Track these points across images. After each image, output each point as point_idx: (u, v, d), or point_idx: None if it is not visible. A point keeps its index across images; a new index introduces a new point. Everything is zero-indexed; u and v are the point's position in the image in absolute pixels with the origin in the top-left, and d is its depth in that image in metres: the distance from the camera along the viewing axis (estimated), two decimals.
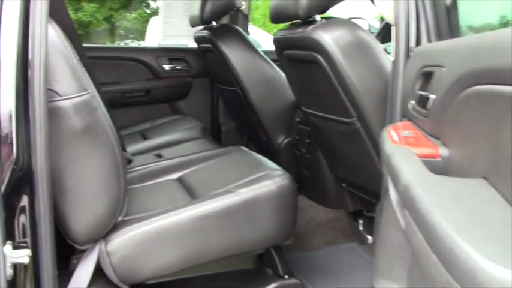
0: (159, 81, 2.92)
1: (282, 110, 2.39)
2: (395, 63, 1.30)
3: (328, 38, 1.51)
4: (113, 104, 2.81)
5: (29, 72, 1.06)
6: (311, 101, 1.85)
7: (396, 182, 0.79)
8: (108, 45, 3.56)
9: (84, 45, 2.93)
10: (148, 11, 12.82)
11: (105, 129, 1.27)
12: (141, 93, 2.90)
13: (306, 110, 1.90)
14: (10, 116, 1.00)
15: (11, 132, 1.00)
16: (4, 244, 0.96)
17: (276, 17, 1.72)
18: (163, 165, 1.86)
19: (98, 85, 2.23)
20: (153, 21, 6.21)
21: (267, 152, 2.68)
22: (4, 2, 1.01)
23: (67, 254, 1.43)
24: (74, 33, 1.46)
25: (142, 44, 9.27)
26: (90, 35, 12.34)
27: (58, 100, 1.17)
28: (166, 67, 2.93)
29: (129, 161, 1.80)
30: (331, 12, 1.69)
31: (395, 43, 1.30)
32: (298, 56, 1.72)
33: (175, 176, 1.77)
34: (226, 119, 2.99)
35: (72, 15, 11.92)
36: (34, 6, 1.05)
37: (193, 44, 2.82)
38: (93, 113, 1.24)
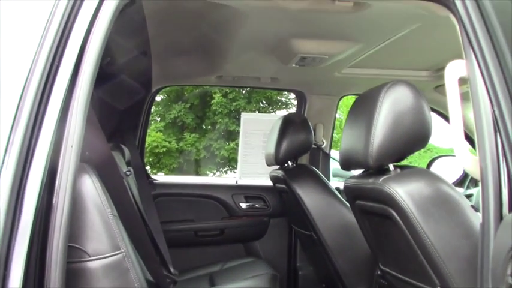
0: (234, 220, 2.80)
1: (361, 260, 2.13)
2: (483, 228, 1.06)
3: (402, 192, 1.30)
4: (185, 243, 2.73)
5: (49, 229, 0.95)
6: (388, 258, 1.60)
7: None
8: (186, 181, 3.61)
9: (160, 180, 2.97)
10: None
11: None
12: (215, 232, 2.79)
13: (383, 268, 1.64)
14: (17, 284, 0.88)
15: None
16: None
17: (346, 163, 1.56)
18: None
19: (159, 225, 2.18)
20: None
21: None
22: (35, 152, 0.95)
23: None
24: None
25: (235, 174, 9.49)
26: (190, 163, 12.96)
27: (86, 261, 1.06)
28: (243, 205, 2.83)
29: None
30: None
31: (483, 205, 1.07)
32: (370, 208, 1.51)
33: None
34: (304, 264, 2.76)
35: (174, 144, 12.72)
36: (63, 161, 0.98)
37: (271, 182, 2.72)
38: (124, 276, 1.10)
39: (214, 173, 13.05)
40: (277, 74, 2.59)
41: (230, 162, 12.93)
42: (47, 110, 0.98)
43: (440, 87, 2.54)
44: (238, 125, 13.66)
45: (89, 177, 1.10)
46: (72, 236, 1.01)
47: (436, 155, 3.20)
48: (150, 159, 12.27)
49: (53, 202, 0.96)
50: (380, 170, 1.43)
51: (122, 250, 1.10)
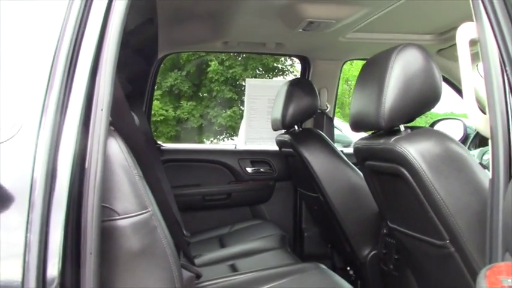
0: (241, 184, 2.86)
1: (367, 220, 2.21)
2: (493, 184, 1.12)
3: (413, 151, 1.35)
4: (193, 207, 2.80)
5: (84, 189, 1.00)
6: (396, 216, 1.66)
7: None
8: (192, 146, 3.68)
9: (167, 146, 3.01)
10: (242, 108, 13.38)
11: (164, 250, 1.17)
12: (222, 196, 2.85)
13: (391, 225, 1.71)
14: (58, 240, 0.93)
15: (57, 259, 0.93)
16: None
17: (356, 125, 1.60)
18: (235, 281, 1.73)
19: (170, 189, 2.23)
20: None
21: (353, 264, 2.47)
22: (66, 117, 0.99)
23: None
24: (144, 148, 1.43)
25: (233, 141, 9.56)
26: (187, 131, 12.99)
27: (116, 219, 1.11)
28: (249, 170, 2.89)
29: (198, 276, 1.69)
30: None
31: (492, 160, 1.12)
32: (381, 168, 1.57)
33: None
34: (309, 225, 2.84)
35: (171, 112, 12.70)
36: (94, 124, 1.02)
37: (276, 147, 2.77)
38: (153, 233, 1.15)
39: (212, 141, 13.10)
40: (282, 39, 2.61)
41: (227, 129, 12.97)
42: (75, 74, 1.01)
43: (442, 51, 2.56)
44: (235, 92, 13.59)
45: (115, 140, 1.13)
46: (102, 196, 1.06)
47: (436, 119, 3.25)
48: None
49: (86, 165, 1.00)
50: (390, 130, 1.48)
51: (149, 209, 1.15)
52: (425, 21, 2.30)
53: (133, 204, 1.13)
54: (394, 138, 1.42)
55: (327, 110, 2.87)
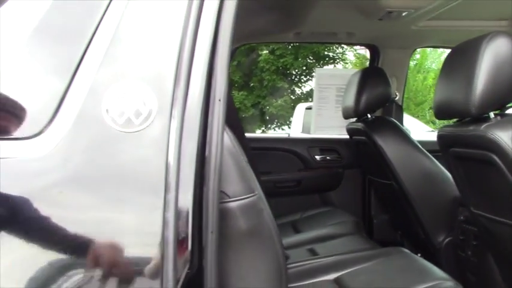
0: (310, 171, 2.93)
1: (443, 207, 2.23)
2: None
3: (506, 138, 1.38)
4: (265, 193, 2.87)
5: (205, 174, 1.09)
6: (482, 202, 1.68)
7: None
8: (263, 135, 3.76)
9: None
10: (293, 97, 13.38)
11: (270, 231, 1.26)
12: (293, 183, 2.92)
13: (475, 211, 1.73)
14: (187, 219, 1.03)
15: (187, 236, 1.02)
16: None
17: (442, 112, 1.63)
18: (319, 264, 1.79)
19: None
20: (299, 107, 6.40)
21: (426, 251, 2.49)
22: (190, 107, 1.08)
23: None
24: (242, 134, 1.52)
25: (288, 130, 9.60)
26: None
27: (227, 202, 1.20)
28: (318, 157, 2.94)
29: (286, 258, 1.77)
30: None
31: None
32: (468, 155, 1.60)
33: (332, 276, 1.70)
34: (378, 212, 2.87)
35: None
36: (212, 114, 1.11)
37: (343, 135, 2.81)
38: (259, 215, 1.24)
39: (263, 130, 13.19)
40: (354, 29, 2.64)
41: (278, 119, 13.01)
42: (196, 68, 1.09)
43: None
44: (286, 81, 13.46)
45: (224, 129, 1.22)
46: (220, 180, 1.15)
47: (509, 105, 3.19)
48: None
49: (206, 152, 1.09)
50: (479, 118, 1.51)
51: (256, 192, 1.24)
52: (500, 7, 2.28)
53: (242, 188, 1.21)
54: (484, 125, 1.44)
55: (396, 98, 2.88)
